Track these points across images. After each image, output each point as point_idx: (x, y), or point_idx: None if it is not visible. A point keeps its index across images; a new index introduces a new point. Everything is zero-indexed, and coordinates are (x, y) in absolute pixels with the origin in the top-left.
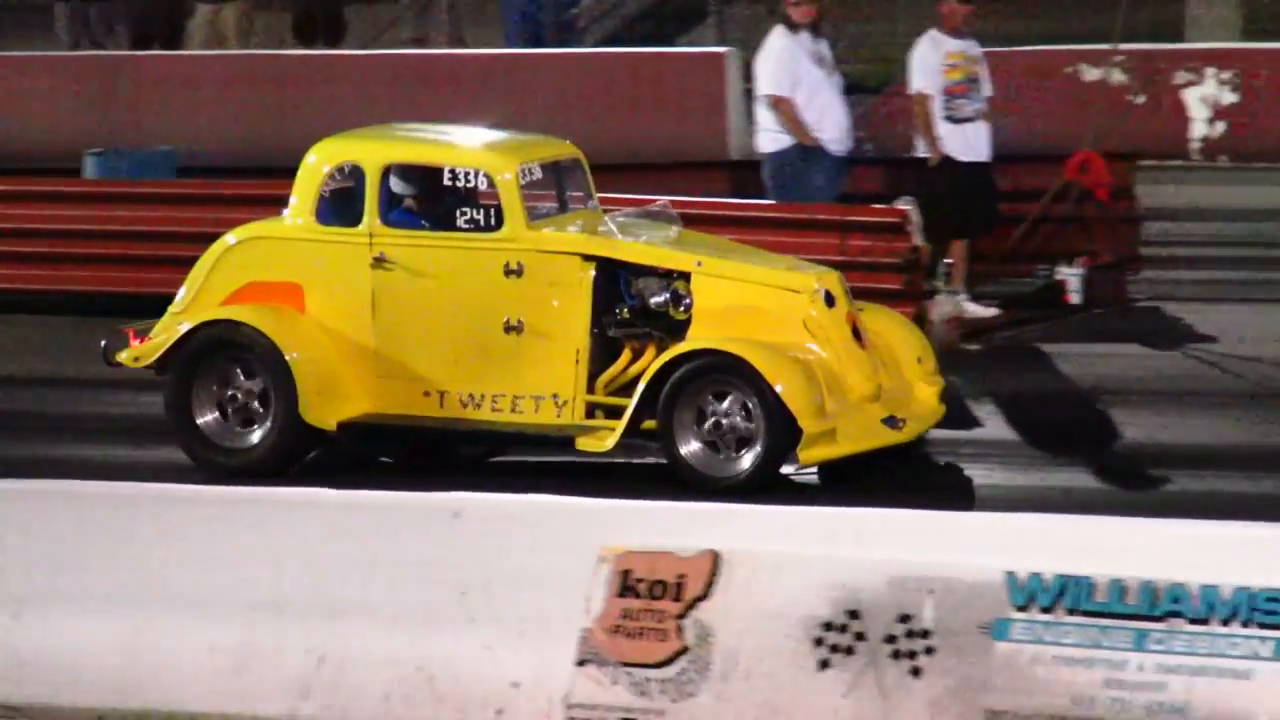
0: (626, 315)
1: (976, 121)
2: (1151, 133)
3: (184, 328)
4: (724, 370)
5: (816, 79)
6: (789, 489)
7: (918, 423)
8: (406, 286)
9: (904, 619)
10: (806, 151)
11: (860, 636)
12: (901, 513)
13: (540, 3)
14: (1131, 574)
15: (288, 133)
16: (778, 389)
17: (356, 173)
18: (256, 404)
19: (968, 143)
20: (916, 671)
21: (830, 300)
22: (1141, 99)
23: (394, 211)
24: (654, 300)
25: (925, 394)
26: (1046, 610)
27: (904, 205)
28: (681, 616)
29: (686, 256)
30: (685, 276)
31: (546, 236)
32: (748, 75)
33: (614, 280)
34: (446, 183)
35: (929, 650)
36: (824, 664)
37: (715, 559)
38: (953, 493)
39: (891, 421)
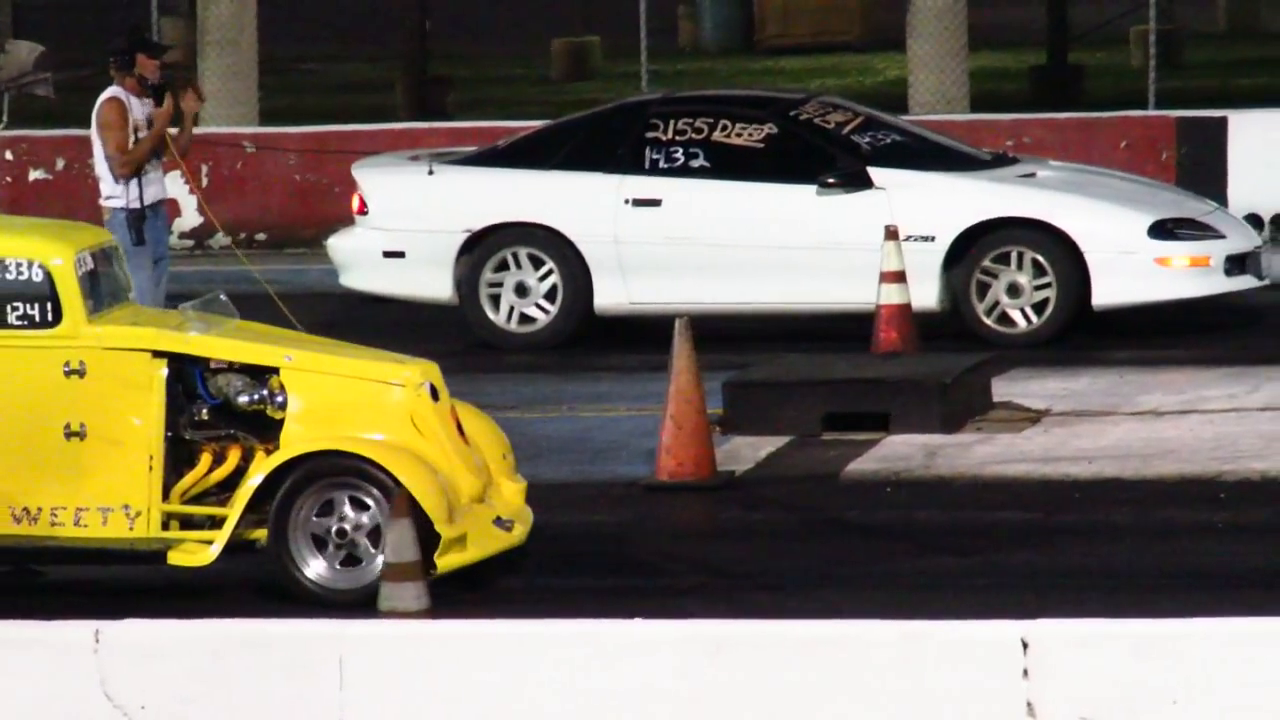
0: (206, 416)
1: None
2: None
3: None
4: (344, 473)
5: None
6: None
7: (522, 524)
8: None
9: None
10: None
11: None
12: None
13: None
14: None
15: None
16: (410, 490)
17: None
18: None
19: None
20: None
21: (435, 394)
22: None
23: None
24: (242, 399)
25: (511, 492)
26: None
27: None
28: None
29: (274, 350)
30: (274, 372)
31: (111, 332)
32: None
33: (188, 378)
34: None
35: None
36: None
37: None
38: None
39: (500, 523)
